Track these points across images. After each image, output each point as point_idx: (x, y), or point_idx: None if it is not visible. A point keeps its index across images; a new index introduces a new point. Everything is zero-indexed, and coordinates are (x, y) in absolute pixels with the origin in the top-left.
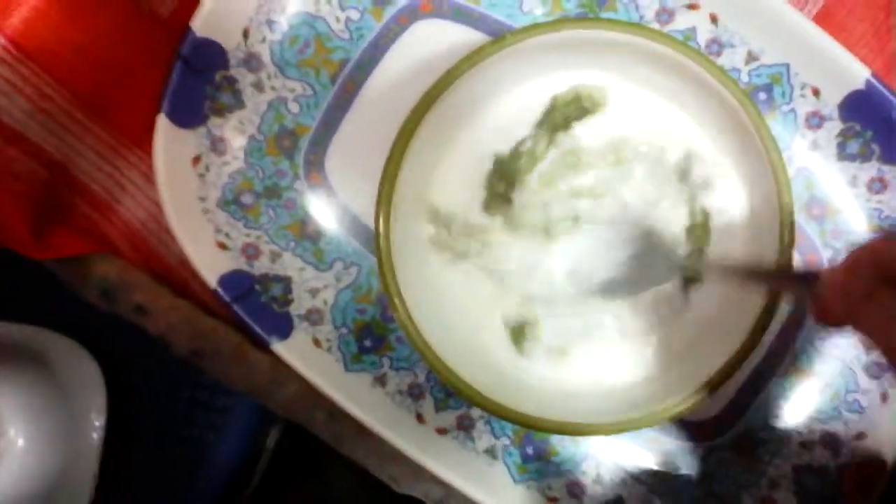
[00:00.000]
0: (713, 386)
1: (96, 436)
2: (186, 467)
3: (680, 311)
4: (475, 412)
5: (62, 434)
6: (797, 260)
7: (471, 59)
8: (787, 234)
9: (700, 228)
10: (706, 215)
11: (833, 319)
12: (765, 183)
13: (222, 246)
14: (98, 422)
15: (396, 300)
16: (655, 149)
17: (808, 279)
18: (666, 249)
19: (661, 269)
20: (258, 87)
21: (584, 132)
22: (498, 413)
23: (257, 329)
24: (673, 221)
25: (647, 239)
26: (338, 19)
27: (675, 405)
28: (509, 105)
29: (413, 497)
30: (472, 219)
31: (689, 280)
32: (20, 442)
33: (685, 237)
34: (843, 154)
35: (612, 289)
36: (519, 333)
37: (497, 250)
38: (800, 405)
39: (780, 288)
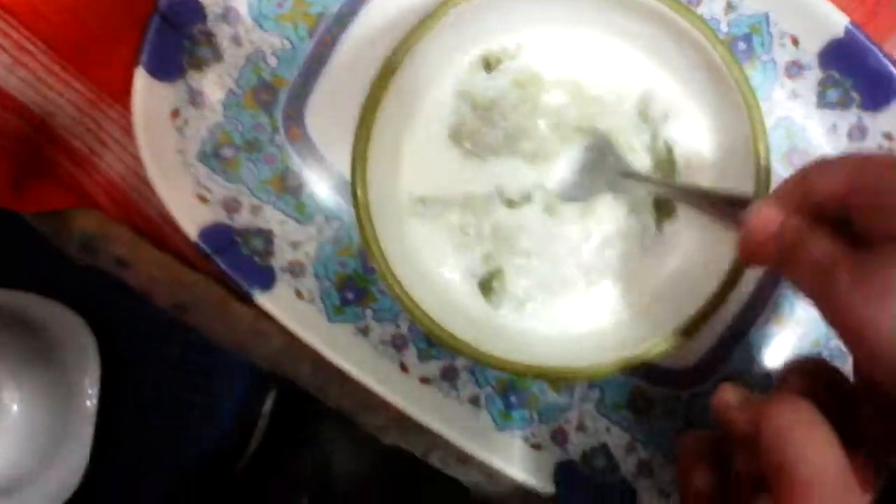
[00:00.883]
0: (688, 332)
1: (90, 403)
2: (180, 432)
3: (653, 250)
4: (459, 362)
5: (56, 401)
6: None
7: (445, 7)
8: (762, 183)
9: (666, 163)
10: (670, 149)
11: (758, 258)
12: (741, 132)
13: (202, 199)
14: (92, 389)
15: (373, 246)
16: (623, 97)
17: (737, 205)
18: (614, 154)
19: (610, 173)
20: (236, 41)
21: (551, 82)
22: (476, 357)
23: (239, 280)
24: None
25: (596, 143)
26: None
27: (647, 351)
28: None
29: (403, 449)
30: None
31: (663, 214)
32: (14, 408)
33: (653, 173)
34: (822, 102)
35: (567, 194)
36: (487, 286)
37: (469, 214)
38: (782, 353)
39: (710, 213)
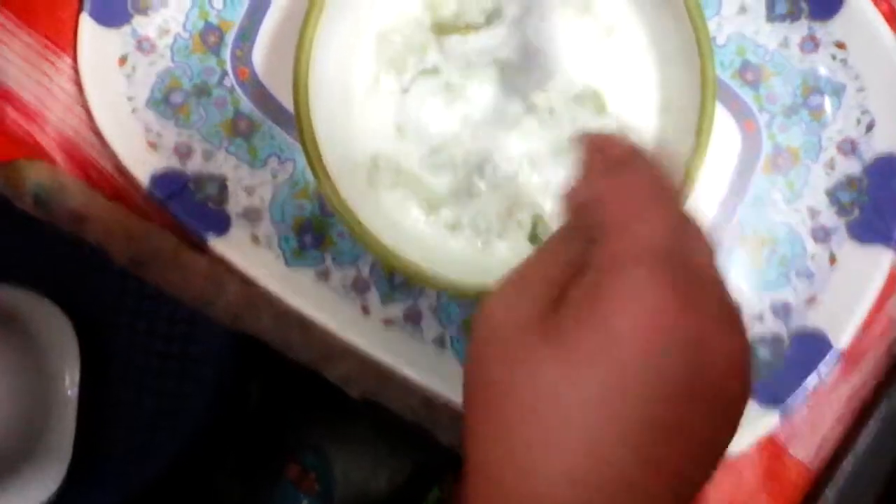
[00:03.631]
0: None
1: (71, 392)
2: (162, 419)
3: None
4: (423, 303)
5: (37, 390)
6: (734, 126)
7: None
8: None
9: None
10: None
11: None
12: (689, 54)
13: (153, 146)
14: (72, 378)
15: (321, 174)
16: None
17: None
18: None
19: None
20: None
21: None
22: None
23: (193, 226)
24: None
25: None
26: None
27: None
28: None
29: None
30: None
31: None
32: None
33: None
34: (772, 15)
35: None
36: (535, 237)
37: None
38: (747, 275)
39: None
